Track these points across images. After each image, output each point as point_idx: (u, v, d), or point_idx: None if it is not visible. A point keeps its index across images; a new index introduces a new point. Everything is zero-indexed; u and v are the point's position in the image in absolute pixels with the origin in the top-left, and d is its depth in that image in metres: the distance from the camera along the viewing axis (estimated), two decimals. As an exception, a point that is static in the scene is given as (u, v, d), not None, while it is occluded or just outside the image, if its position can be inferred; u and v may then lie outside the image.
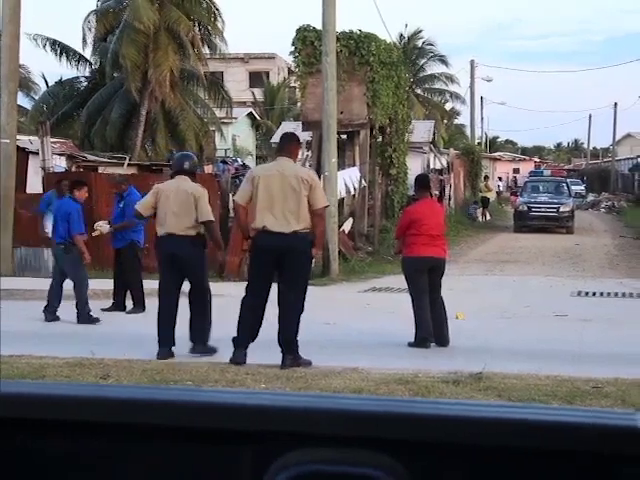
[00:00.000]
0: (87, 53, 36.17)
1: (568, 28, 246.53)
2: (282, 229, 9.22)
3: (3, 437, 1.45)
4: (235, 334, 9.50)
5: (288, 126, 32.74)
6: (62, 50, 35.89)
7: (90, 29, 34.77)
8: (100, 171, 23.36)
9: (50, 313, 12.84)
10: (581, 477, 1.33)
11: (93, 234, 13.76)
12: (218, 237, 10.70)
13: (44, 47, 35.41)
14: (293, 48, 23.11)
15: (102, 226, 13.71)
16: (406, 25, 52.96)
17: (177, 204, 10.12)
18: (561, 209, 33.99)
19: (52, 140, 22.15)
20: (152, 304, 13.78)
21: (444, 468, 1.35)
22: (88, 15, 34.59)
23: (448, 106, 59.54)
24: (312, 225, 9.34)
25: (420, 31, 53.60)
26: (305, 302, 9.40)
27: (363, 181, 22.96)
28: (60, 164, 22.96)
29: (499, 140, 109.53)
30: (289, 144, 9.83)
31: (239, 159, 38.88)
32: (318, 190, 9.47)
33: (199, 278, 10.35)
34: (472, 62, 50.90)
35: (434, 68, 54.68)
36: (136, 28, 31.54)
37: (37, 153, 21.09)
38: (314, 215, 9.34)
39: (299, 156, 26.55)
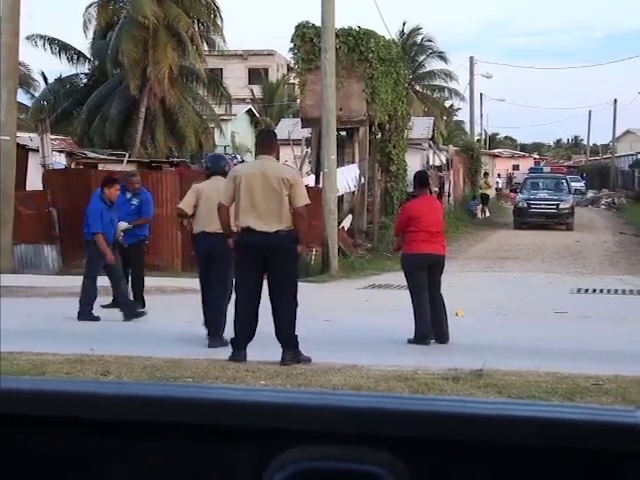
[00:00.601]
0: (86, 50, 36.24)
1: (568, 25, 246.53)
2: (266, 229, 9.24)
3: (3, 433, 1.45)
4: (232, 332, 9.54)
5: (287, 123, 32.76)
6: (61, 48, 35.86)
7: (90, 20, 34.78)
8: (100, 168, 23.36)
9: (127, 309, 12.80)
10: (582, 474, 1.33)
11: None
12: None
13: (43, 46, 35.41)
14: (292, 45, 23.12)
15: (120, 224, 13.60)
16: (404, 23, 52.91)
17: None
18: (561, 206, 34.01)
19: (52, 137, 22.16)
20: (151, 301, 13.84)
21: (444, 465, 1.36)
22: (89, 7, 34.61)
23: (447, 103, 59.54)
24: (294, 224, 9.35)
25: (419, 28, 53.58)
26: (297, 298, 9.42)
27: (362, 178, 22.97)
28: (60, 161, 22.97)
29: (498, 137, 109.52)
30: (269, 141, 9.86)
31: (238, 156, 38.86)
32: (299, 188, 9.45)
33: (224, 274, 10.54)
34: (471, 59, 50.91)
35: (433, 65, 54.67)
36: (137, 23, 31.54)
37: (37, 150, 21.09)
38: (295, 214, 9.32)
39: (294, 152, 26.63)
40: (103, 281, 14.93)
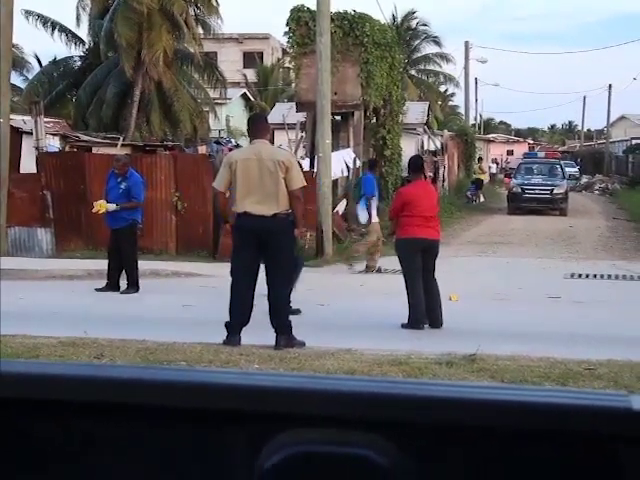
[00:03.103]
0: (80, 32, 36.13)
1: (563, 9, 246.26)
2: (263, 212, 9.25)
3: (-3, 417, 1.45)
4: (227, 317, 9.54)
5: (282, 107, 32.71)
6: (54, 28, 35.73)
7: (84, 8, 34.70)
8: (94, 151, 23.31)
9: None
10: (574, 458, 1.34)
11: (96, 211, 13.78)
12: None
13: (35, 24, 35.31)
14: (287, 28, 23.05)
15: (108, 205, 13.62)
16: (395, 7, 52.87)
17: None
18: (555, 191, 34.00)
19: (45, 120, 22.10)
20: (145, 285, 13.84)
21: (437, 449, 1.36)
22: None
23: (442, 88, 59.46)
24: (291, 206, 9.36)
25: (414, 12, 53.52)
26: (292, 282, 9.43)
27: (357, 162, 22.96)
28: (54, 144, 22.92)
29: (493, 122, 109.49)
30: (261, 125, 9.84)
31: (233, 140, 38.82)
32: (294, 171, 9.46)
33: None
34: (467, 43, 50.75)
35: (428, 49, 54.61)
36: (131, 6, 31.40)
37: (30, 133, 21.03)
38: (291, 196, 9.34)
39: (289, 136, 26.59)
40: (96, 264, 14.96)
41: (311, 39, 21.20)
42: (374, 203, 16.70)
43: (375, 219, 16.74)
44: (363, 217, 16.71)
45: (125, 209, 13.56)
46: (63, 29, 35.96)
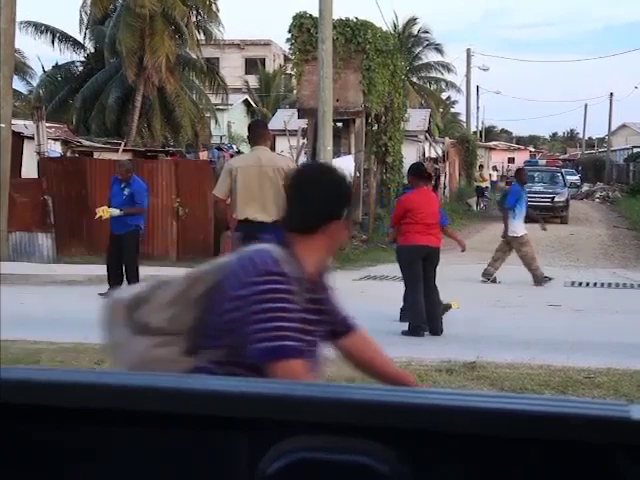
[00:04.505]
0: (81, 37, 36.16)
1: (566, 17, 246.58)
2: (264, 219, 9.24)
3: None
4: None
5: (284, 113, 32.72)
6: (54, 35, 35.75)
7: (87, 12, 34.74)
8: (95, 156, 23.33)
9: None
10: (573, 467, 1.34)
11: (98, 217, 13.76)
12: None
13: (35, 35, 35.35)
14: (289, 35, 23.06)
15: (112, 210, 13.61)
16: (395, 14, 52.88)
17: None
18: (556, 199, 34.00)
19: (47, 125, 22.10)
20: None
21: (437, 456, 1.36)
22: None
23: (444, 95, 59.44)
24: None
25: (415, 19, 53.56)
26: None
27: (358, 169, 22.96)
28: (55, 149, 22.92)
29: (495, 129, 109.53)
30: (261, 132, 9.81)
31: (234, 146, 38.82)
32: None
33: None
34: (468, 51, 50.76)
35: (430, 56, 54.62)
36: (133, 12, 31.44)
37: (32, 138, 21.03)
38: None
39: (290, 142, 26.58)
40: (97, 269, 14.95)
41: (313, 46, 21.21)
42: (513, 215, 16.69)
43: (511, 233, 16.74)
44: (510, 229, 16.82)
45: (128, 215, 13.56)
46: (64, 36, 35.97)
